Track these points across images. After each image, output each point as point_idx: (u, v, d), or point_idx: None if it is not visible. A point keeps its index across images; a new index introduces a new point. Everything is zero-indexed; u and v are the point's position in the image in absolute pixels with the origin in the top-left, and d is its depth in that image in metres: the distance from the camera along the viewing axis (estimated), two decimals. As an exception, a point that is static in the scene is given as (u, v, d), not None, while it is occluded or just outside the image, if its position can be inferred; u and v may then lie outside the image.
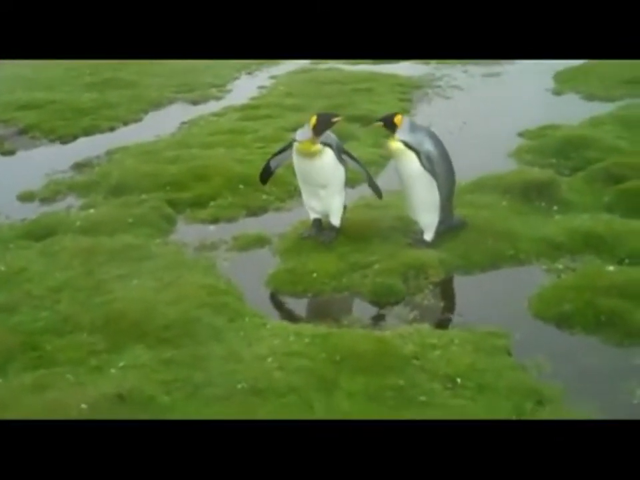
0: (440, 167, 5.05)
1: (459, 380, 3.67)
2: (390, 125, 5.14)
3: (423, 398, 3.54)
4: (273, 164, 5.60)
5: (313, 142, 5.10)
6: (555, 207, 5.75)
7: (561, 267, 4.93)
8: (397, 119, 5.12)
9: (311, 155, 5.13)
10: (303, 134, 5.16)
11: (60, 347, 4.19)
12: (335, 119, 5.17)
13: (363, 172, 5.42)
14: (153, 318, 4.33)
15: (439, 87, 10.61)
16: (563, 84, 10.28)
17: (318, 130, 5.10)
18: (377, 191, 5.46)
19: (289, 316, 4.65)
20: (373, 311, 4.64)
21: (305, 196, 5.42)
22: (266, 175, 5.67)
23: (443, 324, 4.40)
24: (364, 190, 6.28)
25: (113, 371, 3.89)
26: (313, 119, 5.12)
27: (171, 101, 10.65)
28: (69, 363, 4.01)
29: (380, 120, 5.27)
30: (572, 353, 4.00)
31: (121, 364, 3.94)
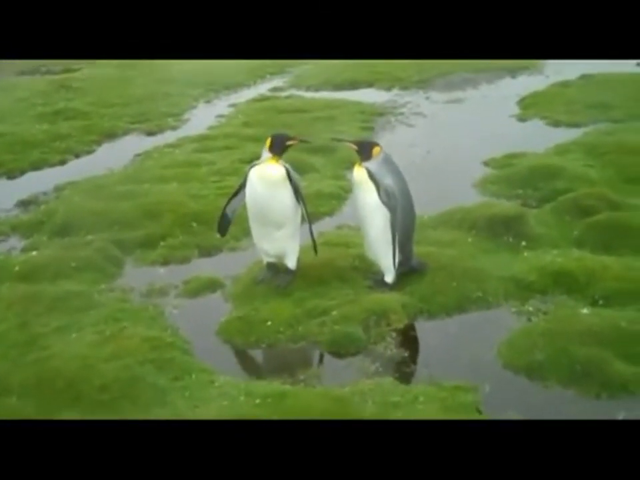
0: (399, 203, 4.75)
1: (423, 446, 3.33)
2: (365, 154, 4.82)
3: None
4: (229, 211, 5.18)
5: (275, 159, 4.80)
6: (524, 243, 5.46)
7: (531, 309, 4.63)
8: (375, 150, 4.82)
9: (271, 175, 4.77)
10: (262, 158, 4.87)
11: (-15, 414, 3.80)
12: (290, 142, 4.86)
13: (307, 220, 5.02)
14: (90, 378, 3.97)
15: (402, 114, 10.32)
16: (527, 110, 10.04)
17: (274, 150, 4.82)
18: (315, 246, 5.08)
19: (241, 370, 4.31)
20: (332, 362, 4.31)
21: (257, 239, 5.05)
22: (224, 224, 5.26)
23: (406, 377, 4.06)
24: (321, 227, 6.00)
25: (41, 442, 3.50)
26: (268, 141, 4.85)
27: (125, 132, 10.23)
28: (-5, 433, 3.62)
29: (355, 144, 4.94)
30: (546, 408, 3.69)
31: (51, 434, 3.56)
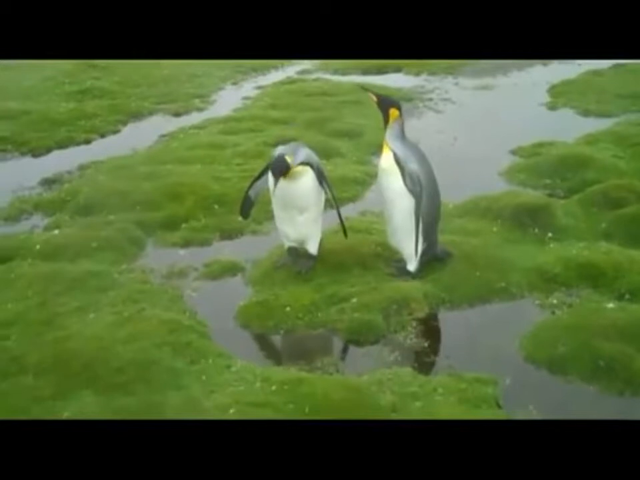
0: (424, 189, 4.66)
1: (440, 438, 3.27)
2: (383, 110, 4.74)
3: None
4: (252, 194, 5.14)
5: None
6: (550, 234, 5.35)
7: (555, 302, 4.54)
8: (393, 112, 4.71)
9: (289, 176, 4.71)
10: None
11: (2, 392, 3.79)
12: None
13: (334, 204, 4.98)
14: (106, 359, 3.94)
15: (430, 99, 10.19)
16: (557, 98, 9.87)
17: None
18: (344, 229, 5.06)
19: (258, 355, 4.26)
20: (350, 350, 4.25)
21: (279, 223, 4.99)
22: (247, 207, 5.21)
23: (425, 367, 4.00)
24: (344, 212, 5.90)
25: (55, 422, 3.49)
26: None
27: (151, 112, 10.18)
28: (10, 412, 3.61)
29: (377, 97, 4.82)
30: (567, 404, 3.62)
31: (65, 414, 3.54)
